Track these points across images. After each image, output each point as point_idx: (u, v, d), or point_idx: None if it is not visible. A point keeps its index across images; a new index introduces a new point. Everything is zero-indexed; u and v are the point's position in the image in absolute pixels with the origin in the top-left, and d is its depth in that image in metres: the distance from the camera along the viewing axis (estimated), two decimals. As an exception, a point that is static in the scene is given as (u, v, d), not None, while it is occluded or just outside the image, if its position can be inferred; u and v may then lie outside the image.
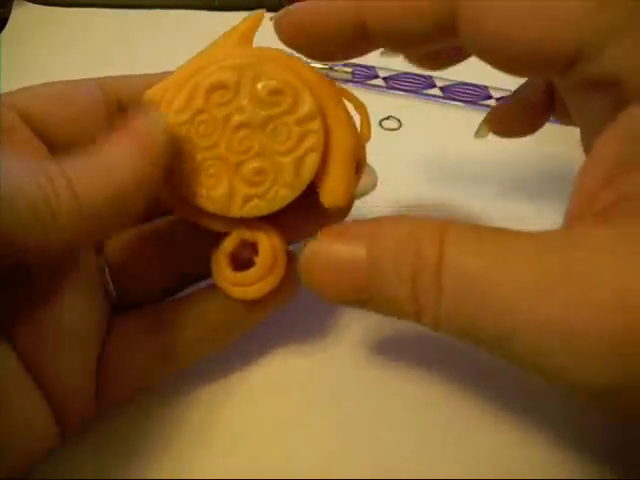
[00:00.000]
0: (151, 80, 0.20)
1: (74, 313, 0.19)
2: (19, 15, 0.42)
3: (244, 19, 0.20)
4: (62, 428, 0.18)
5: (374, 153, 0.21)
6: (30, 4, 0.42)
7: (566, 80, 0.17)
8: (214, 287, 0.21)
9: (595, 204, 0.15)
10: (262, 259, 0.20)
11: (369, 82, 0.35)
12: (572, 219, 0.16)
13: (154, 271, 0.21)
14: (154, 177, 0.17)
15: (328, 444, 0.21)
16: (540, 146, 0.29)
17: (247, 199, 0.19)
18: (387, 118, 0.33)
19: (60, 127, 0.19)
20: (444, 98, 0.34)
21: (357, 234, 0.18)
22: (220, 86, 0.18)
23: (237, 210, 0.19)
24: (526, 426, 0.21)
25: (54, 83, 0.20)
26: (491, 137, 0.25)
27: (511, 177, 0.29)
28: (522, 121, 0.25)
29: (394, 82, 0.34)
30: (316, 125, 0.18)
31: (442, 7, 0.17)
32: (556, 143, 0.28)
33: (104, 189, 0.16)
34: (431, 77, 0.34)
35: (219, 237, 0.20)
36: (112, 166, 0.16)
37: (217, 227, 0.20)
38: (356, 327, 0.24)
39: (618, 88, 0.16)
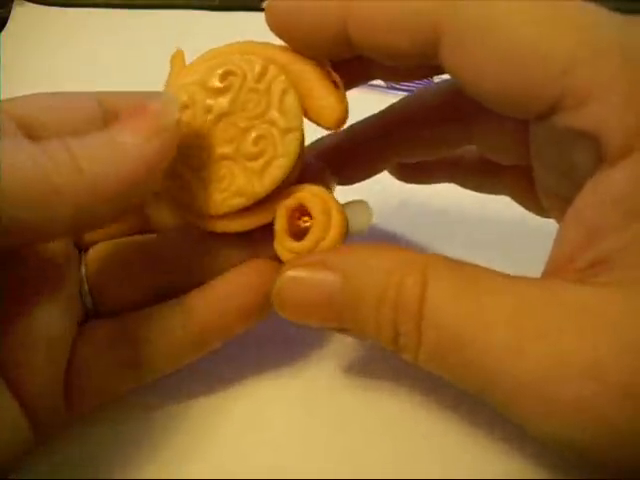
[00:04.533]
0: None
1: (45, 318, 0.18)
2: (19, 15, 0.42)
3: (171, 64, 0.20)
4: (35, 432, 0.18)
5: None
6: (30, 4, 0.42)
7: (543, 125, 0.17)
8: (181, 301, 0.20)
9: (576, 262, 0.16)
10: (316, 211, 0.19)
11: (369, 82, 0.35)
12: (552, 271, 0.16)
13: (132, 283, 0.21)
14: (166, 162, 0.17)
15: (313, 464, 0.21)
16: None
17: (264, 169, 0.19)
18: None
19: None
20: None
21: (331, 263, 0.17)
22: (180, 107, 0.19)
23: (262, 186, 0.19)
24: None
25: (53, 93, 0.19)
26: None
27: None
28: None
29: (394, 82, 0.34)
30: (273, 71, 0.19)
31: (425, 29, 0.16)
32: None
33: (115, 170, 0.16)
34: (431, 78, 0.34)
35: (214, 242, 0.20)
36: (124, 147, 0.16)
37: (262, 220, 0.20)
38: (332, 347, 0.24)
39: (597, 143, 0.15)
